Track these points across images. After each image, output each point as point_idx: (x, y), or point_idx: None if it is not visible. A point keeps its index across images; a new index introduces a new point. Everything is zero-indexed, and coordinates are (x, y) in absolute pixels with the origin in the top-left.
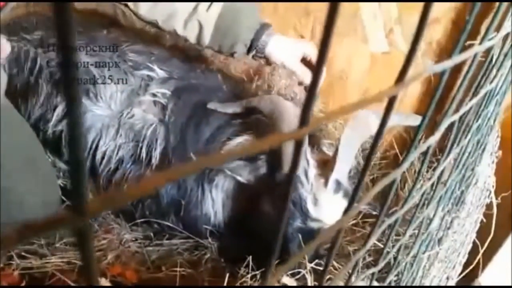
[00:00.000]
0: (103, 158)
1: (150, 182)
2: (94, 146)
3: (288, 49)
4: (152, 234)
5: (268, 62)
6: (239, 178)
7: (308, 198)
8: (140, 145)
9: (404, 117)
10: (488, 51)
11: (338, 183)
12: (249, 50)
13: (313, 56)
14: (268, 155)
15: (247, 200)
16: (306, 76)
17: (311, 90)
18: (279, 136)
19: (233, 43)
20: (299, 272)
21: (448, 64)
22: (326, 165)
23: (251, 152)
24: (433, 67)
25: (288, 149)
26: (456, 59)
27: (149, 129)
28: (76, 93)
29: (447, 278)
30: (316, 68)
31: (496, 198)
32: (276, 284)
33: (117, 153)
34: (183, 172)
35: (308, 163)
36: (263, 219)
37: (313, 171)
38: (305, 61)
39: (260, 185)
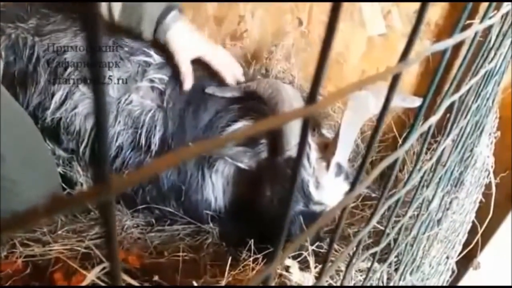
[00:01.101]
0: None
1: (160, 162)
2: (93, 133)
3: (189, 42)
4: (153, 220)
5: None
6: (240, 164)
7: (310, 181)
8: (139, 131)
9: (403, 98)
10: (487, 30)
11: (340, 166)
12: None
13: (213, 62)
14: (268, 139)
15: (247, 184)
16: (187, 78)
17: (319, 67)
18: (288, 115)
19: (139, 20)
20: (300, 255)
21: (449, 42)
22: (326, 148)
23: (256, 132)
24: (435, 46)
25: (290, 131)
26: (458, 37)
27: (148, 115)
28: (102, 89)
29: (447, 258)
30: (326, 37)
31: (495, 178)
32: (279, 266)
33: (116, 140)
34: (189, 155)
35: (310, 146)
36: (264, 203)
37: (314, 154)
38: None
39: (261, 170)
